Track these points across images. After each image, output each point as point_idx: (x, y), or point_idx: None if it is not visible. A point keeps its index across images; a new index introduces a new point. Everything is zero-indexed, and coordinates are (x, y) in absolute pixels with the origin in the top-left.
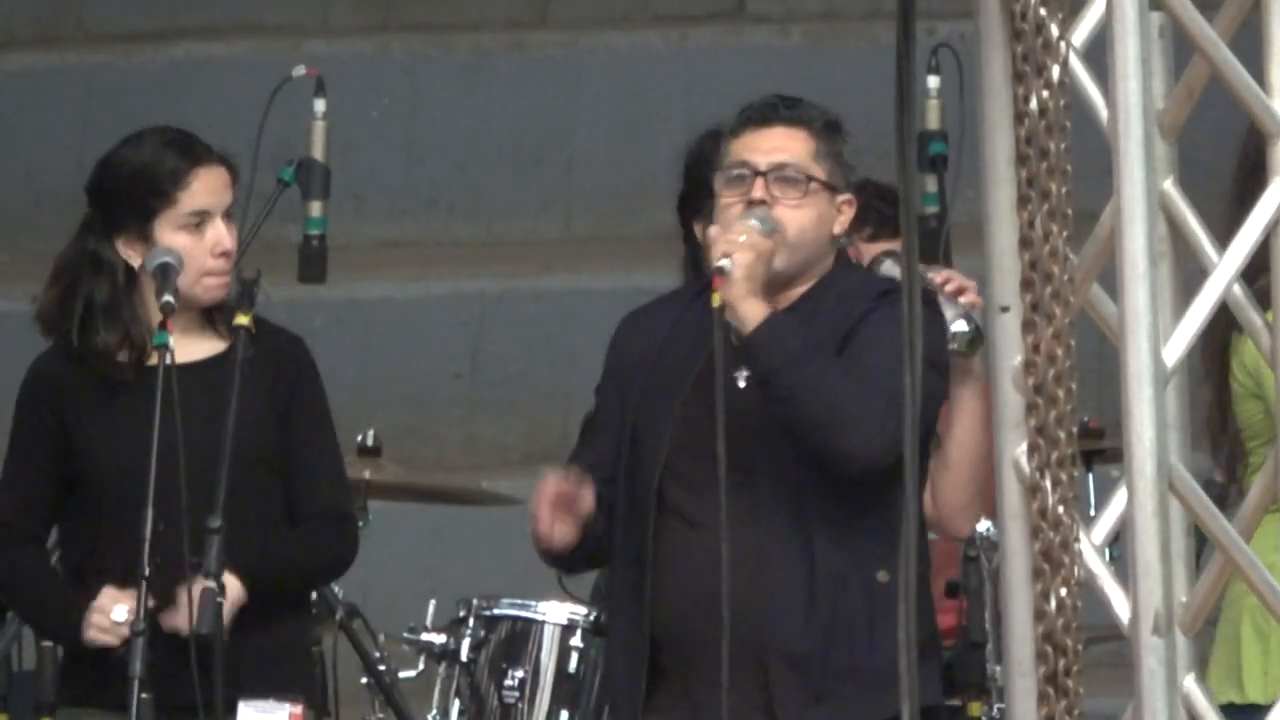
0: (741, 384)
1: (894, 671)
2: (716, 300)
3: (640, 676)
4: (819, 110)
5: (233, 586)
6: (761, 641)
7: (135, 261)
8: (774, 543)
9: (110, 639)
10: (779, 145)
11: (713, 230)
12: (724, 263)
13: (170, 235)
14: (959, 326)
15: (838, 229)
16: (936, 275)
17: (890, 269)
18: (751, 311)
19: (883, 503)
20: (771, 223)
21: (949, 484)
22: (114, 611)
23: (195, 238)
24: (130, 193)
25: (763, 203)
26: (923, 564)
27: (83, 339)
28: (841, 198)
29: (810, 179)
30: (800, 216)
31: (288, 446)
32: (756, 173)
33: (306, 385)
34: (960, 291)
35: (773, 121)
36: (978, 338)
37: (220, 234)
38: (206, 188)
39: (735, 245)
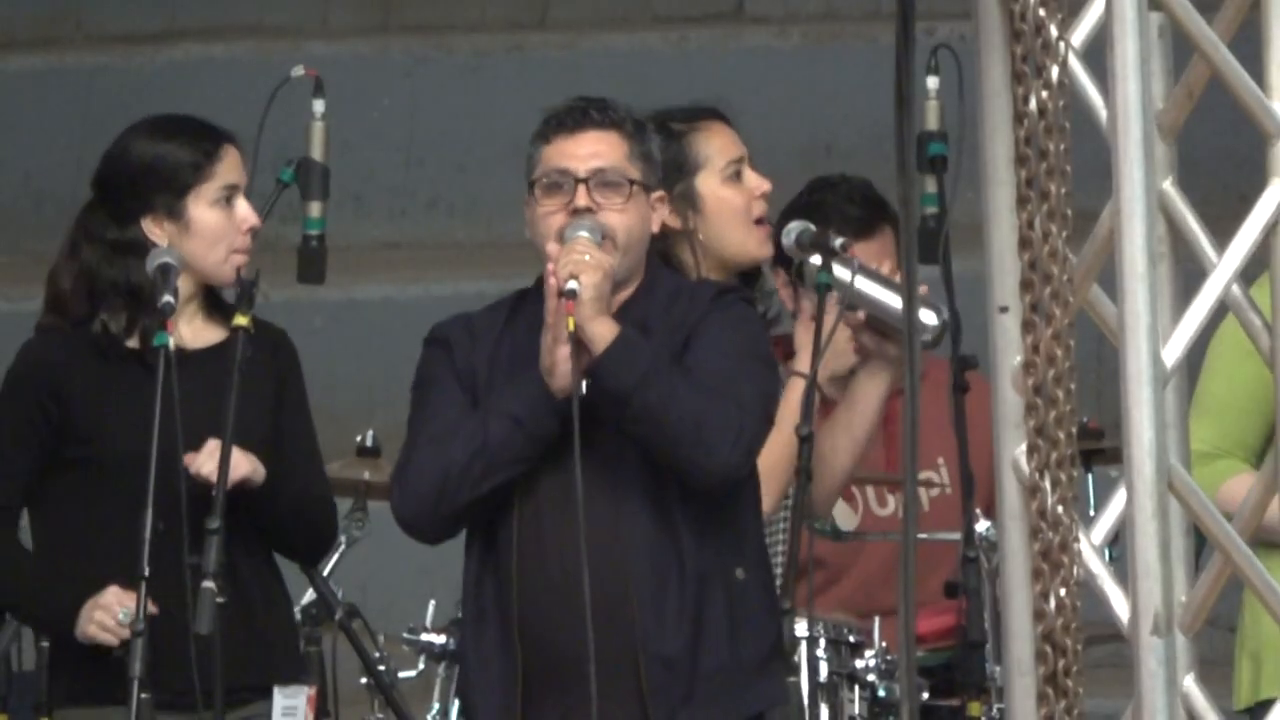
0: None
1: (754, 671)
2: (571, 325)
3: (515, 687)
4: (626, 110)
5: (245, 456)
6: (632, 643)
7: (163, 243)
8: (642, 542)
9: (109, 638)
10: (595, 150)
11: (552, 248)
12: (572, 285)
13: (204, 211)
14: (928, 319)
15: (655, 228)
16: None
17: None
18: (601, 331)
19: (737, 499)
20: (600, 230)
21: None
22: (121, 613)
23: (226, 213)
24: (162, 170)
25: (588, 210)
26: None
27: (116, 325)
28: (655, 195)
29: (630, 181)
30: (626, 220)
31: (278, 435)
32: (577, 180)
33: (293, 376)
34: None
35: (585, 126)
36: (943, 331)
37: (247, 210)
38: (234, 163)
39: (582, 265)
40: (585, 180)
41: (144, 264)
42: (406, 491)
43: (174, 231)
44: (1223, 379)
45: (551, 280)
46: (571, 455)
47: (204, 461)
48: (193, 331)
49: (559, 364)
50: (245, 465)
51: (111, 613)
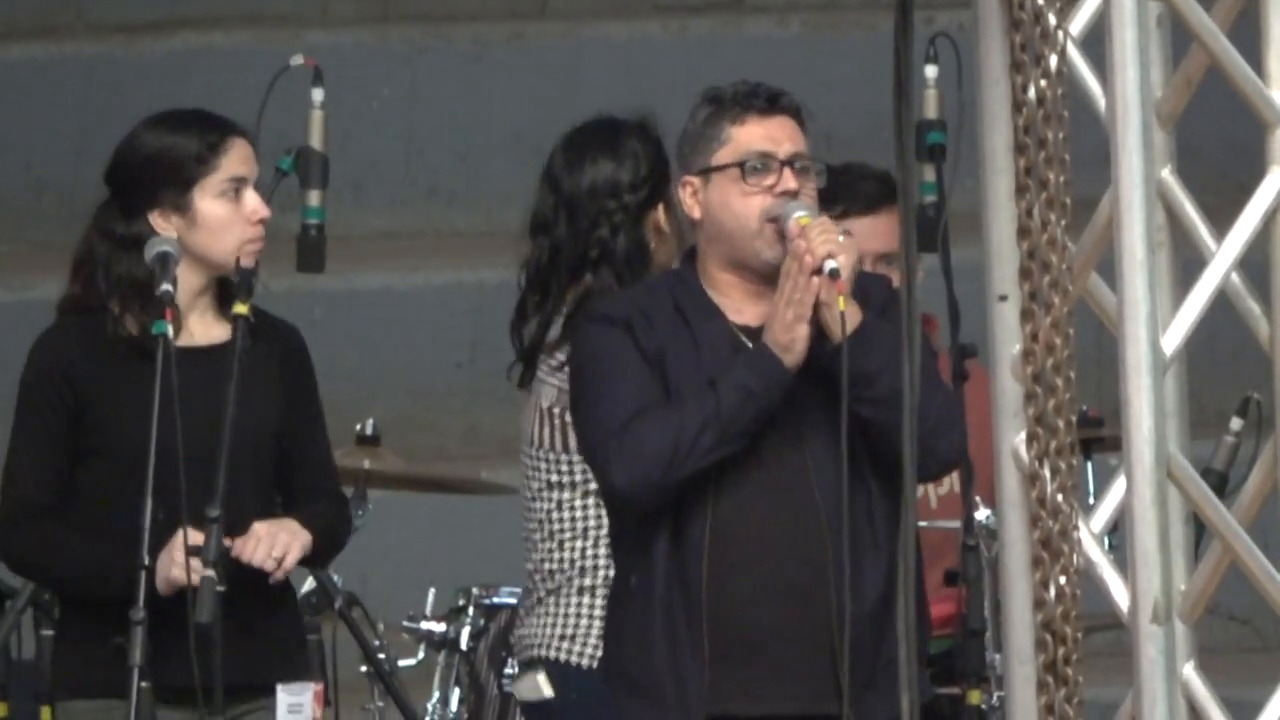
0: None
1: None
2: (842, 304)
3: (703, 666)
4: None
5: (299, 532)
6: (828, 623)
7: (171, 235)
8: (840, 521)
9: (180, 574)
10: (789, 134)
11: (794, 226)
12: (832, 264)
13: (210, 203)
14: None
15: None
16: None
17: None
18: (853, 313)
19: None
20: (812, 211)
21: None
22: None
23: (233, 205)
24: (167, 164)
25: (796, 193)
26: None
27: (128, 319)
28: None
29: (818, 168)
30: (815, 206)
31: (290, 432)
32: (781, 162)
33: (306, 373)
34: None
35: (776, 110)
36: None
37: (256, 201)
38: (241, 155)
39: (840, 245)
40: (789, 163)
41: (141, 259)
42: (631, 462)
43: (181, 225)
44: None
45: (807, 259)
46: (768, 434)
47: (251, 551)
48: (204, 327)
49: (799, 341)
50: (296, 549)
51: (180, 548)
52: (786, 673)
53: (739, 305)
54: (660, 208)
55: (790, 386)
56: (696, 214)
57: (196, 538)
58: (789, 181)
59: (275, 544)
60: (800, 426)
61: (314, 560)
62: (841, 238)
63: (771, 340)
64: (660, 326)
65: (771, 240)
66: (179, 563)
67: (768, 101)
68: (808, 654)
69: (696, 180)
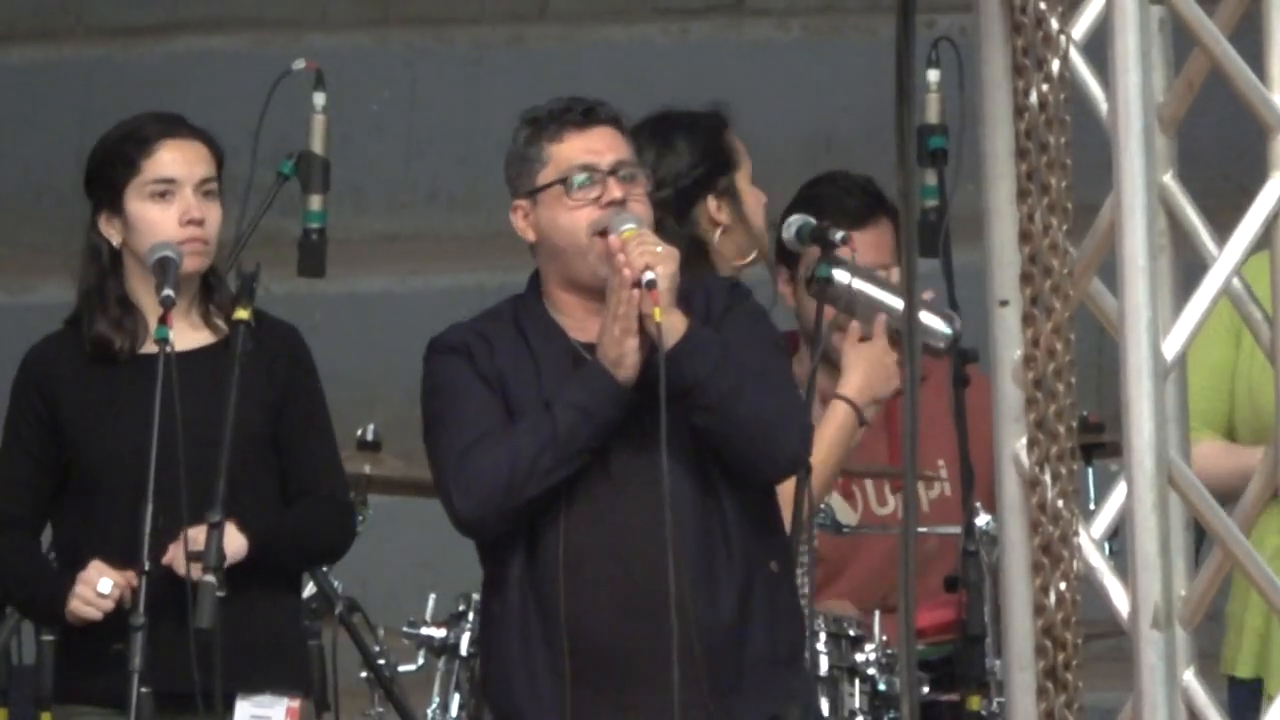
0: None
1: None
2: (658, 314)
3: (564, 687)
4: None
5: (233, 535)
6: (686, 632)
7: (115, 239)
8: (691, 531)
9: (93, 612)
10: (610, 143)
11: (614, 240)
12: (651, 275)
13: (138, 206)
14: (940, 326)
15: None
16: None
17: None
18: (674, 322)
19: (770, 494)
20: (640, 221)
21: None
22: (100, 584)
23: (161, 207)
24: (103, 165)
25: (623, 202)
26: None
27: (88, 326)
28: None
29: (645, 173)
30: (647, 211)
31: (284, 434)
32: (605, 172)
33: (302, 374)
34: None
35: (593, 122)
36: (955, 340)
37: (188, 202)
38: (175, 157)
39: (656, 255)
40: (612, 172)
41: (98, 263)
42: (470, 489)
43: (121, 228)
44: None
45: (625, 272)
46: (616, 448)
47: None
48: (183, 331)
49: (628, 355)
50: (236, 542)
51: (91, 585)
52: (650, 686)
53: (580, 323)
54: (709, 200)
55: (627, 401)
56: (530, 236)
57: (107, 572)
58: (614, 191)
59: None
60: (645, 440)
61: (304, 560)
62: (660, 249)
63: (603, 356)
64: (502, 351)
65: (603, 253)
66: (79, 595)
67: (584, 114)
68: (668, 667)
69: (524, 203)
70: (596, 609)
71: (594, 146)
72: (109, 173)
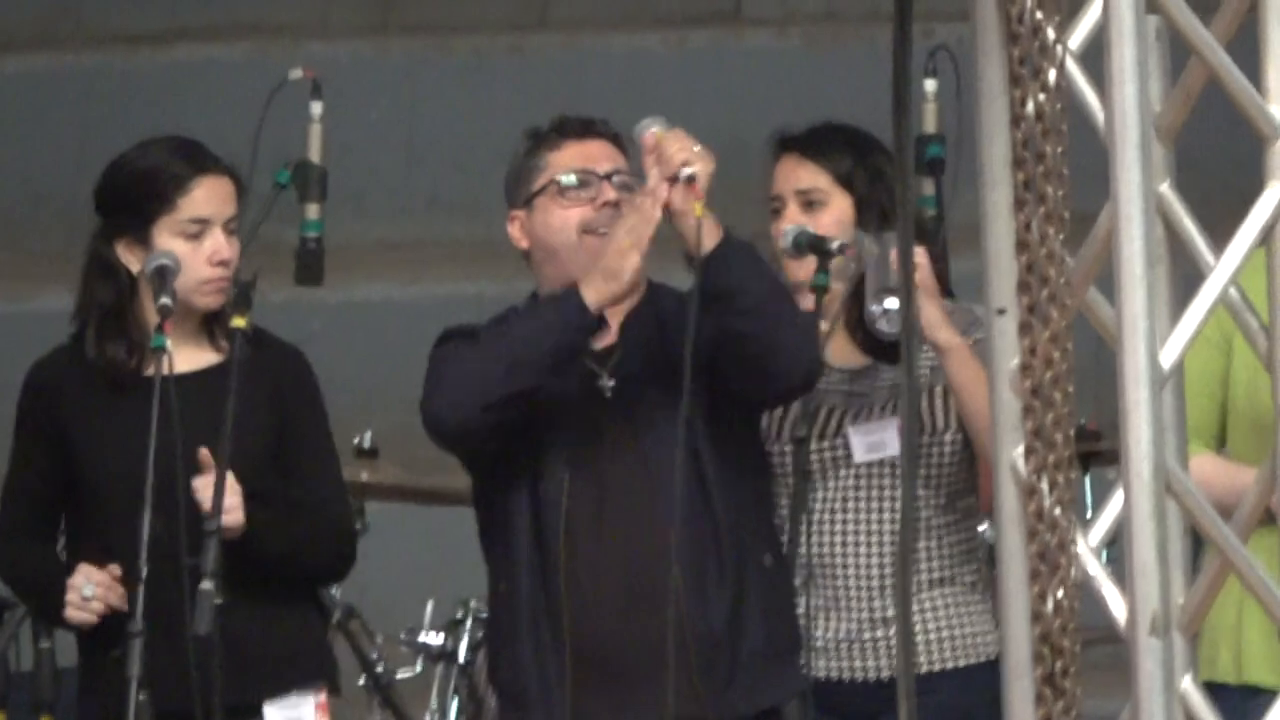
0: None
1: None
2: (699, 210)
3: (565, 683)
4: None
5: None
6: (679, 626)
7: (134, 267)
8: (682, 524)
9: (86, 617)
10: (607, 154)
11: (649, 137)
12: (689, 170)
13: (168, 241)
14: (891, 305)
15: None
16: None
17: (869, 246)
18: (713, 226)
19: (767, 492)
20: (669, 124)
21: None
22: (84, 589)
23: (193, 245)
24: (131, 196)
25: (617, 204)
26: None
27: (96, 345)
28: None
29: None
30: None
31: (286, 459)
32: (600, 176)
33: (306, 398)
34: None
35: (591, 134)
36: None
37: (219, 243)
38: (209, 196)
39: (696, 154)
40: (607, 178)
41: (115, 285)
42: (444, 390)
43: (143, 257)
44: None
45: (655, 170)
46: (611, 442)
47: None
48: (188, 353)
49: (628, 270)
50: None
51: (77, 590)
52: (648, 678)
53: None
54: None
55: (590, 327)
56: (524, 244)
57: (93, 575)
58: (608, 193)
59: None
60: (639, 431)
61: (299, 569)
62: (698, 147)
63: (602, 267)
64: None
65: (592, 252)
66: (70, 603)
67: (582, 126)
68: (661, 662)
69: (521, 212)
70: (596, 606)
71: (591, 154)
72: (139, 204)
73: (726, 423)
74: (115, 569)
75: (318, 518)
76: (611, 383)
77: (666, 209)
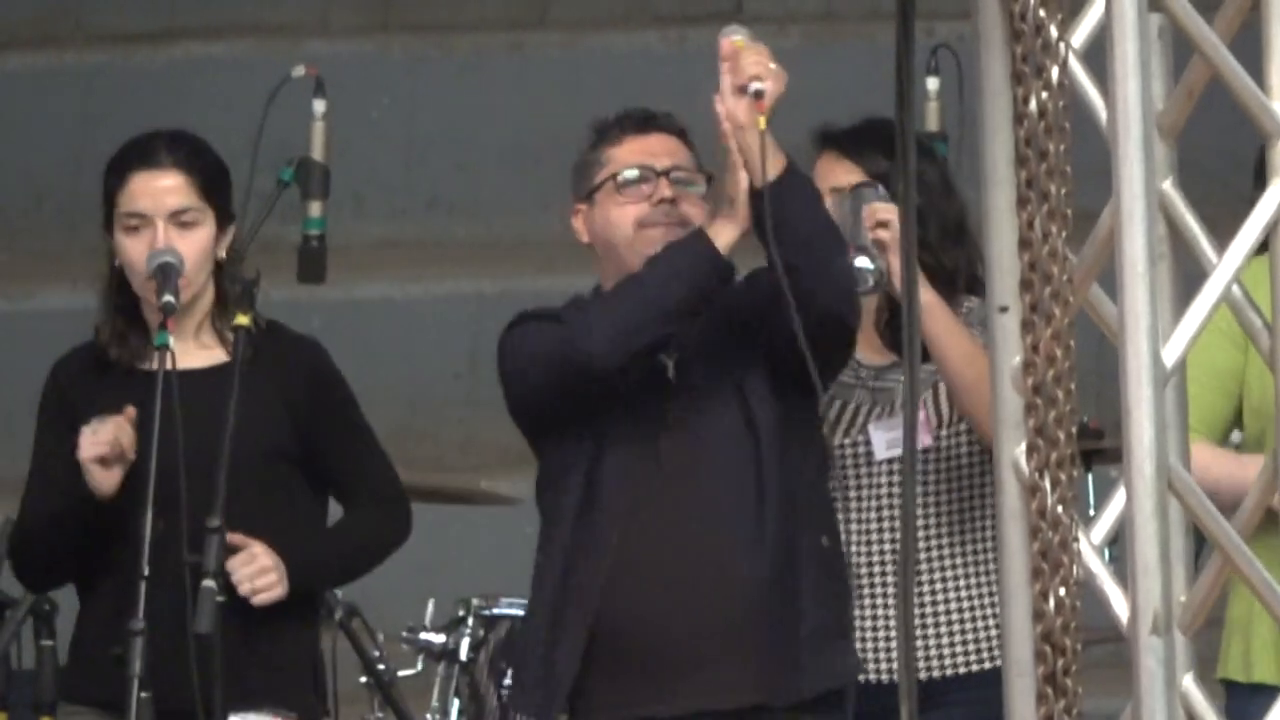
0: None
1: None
2: (762, 123)
3: (573, 666)
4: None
5: (267, 572)
6: (736, 608)
7: (116, 260)
8: (731, 507)
9: (97, 449)
10: (668, 149)
11: (726, 44)
12: (758, 85)
13: (118, 235)
14: (862, 263)
15: None
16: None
17: (875, 198)
18: (776, 151)
19: (824, 473)
20: (750, 37)
21: (973, 403)
22: (88, 429)
23: (133, 240)
24: (103, 191)
25: (673, 201)
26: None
27: (105, 340)
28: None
29: (706, 177)
30: (703, 215)
31: (322, 453)
32: (658, 172)
33: (325, 386)
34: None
35: (652, 128)
36: (881, 278)
37: (157, 238)
38: (143, 190)
39: (769, 70)
40: (665, 173)
41: (106, 281)
42: (597, 331)
43: (117, 250)
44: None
45: (728, 78)
46: (671, 422)
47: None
48: (193, 349)
49: (740, 195)
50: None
51: (86, 433)
52: (699, 667)
53: None
54: None
55: (722, 268)
56: (586, 239)
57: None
58: (664, 190)
59: (262, 574)
60: (698, 408)
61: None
62: (774, 65)
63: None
64: None
65: (647, 246)
66: (83, 445)
67: (643, 120)
68: (716, 646)
69: (583, 206)
70: (651, 580)
71: (651, 149)
72: (104, 199)
73: (784, 396)
74: (131, 410)
75: (359, 510)
76: (672, 360)
77: (730, 122)
